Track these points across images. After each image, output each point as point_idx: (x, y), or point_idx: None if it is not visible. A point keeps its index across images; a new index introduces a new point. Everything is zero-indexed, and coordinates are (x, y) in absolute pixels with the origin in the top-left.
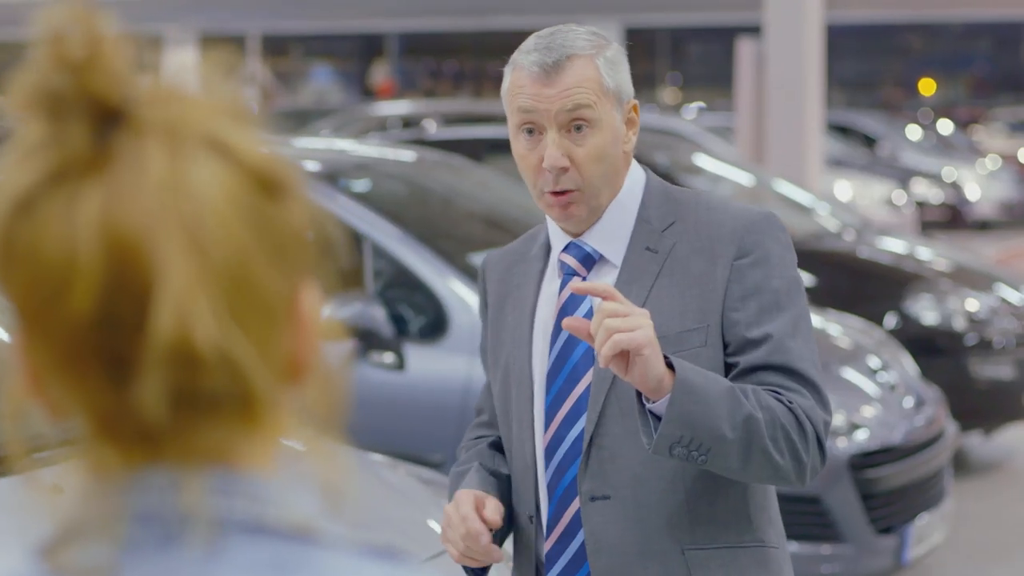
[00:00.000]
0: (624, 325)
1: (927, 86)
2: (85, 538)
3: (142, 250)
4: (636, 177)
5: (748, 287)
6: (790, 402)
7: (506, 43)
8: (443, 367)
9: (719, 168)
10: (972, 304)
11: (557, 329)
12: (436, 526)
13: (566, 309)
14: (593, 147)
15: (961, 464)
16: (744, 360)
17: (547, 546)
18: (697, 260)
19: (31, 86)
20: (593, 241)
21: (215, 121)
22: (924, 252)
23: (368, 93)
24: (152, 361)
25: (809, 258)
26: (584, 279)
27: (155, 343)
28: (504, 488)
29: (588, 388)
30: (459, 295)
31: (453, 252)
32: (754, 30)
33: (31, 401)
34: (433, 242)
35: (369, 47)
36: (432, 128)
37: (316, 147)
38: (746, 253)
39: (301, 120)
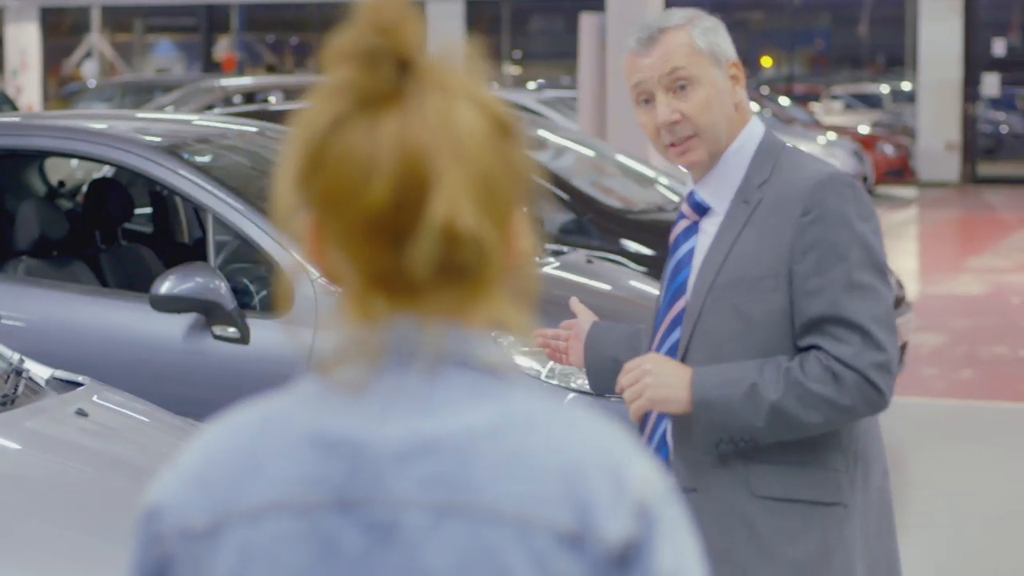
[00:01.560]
0: (631, 395)
1: (766, 62)
2: (349, 361)
3: (424, 160)
4: (751, 135)
5: (808, 242)
6: (828, 359)
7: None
8: (286, 339)
9: (561, 141)
10: None
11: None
12: None
13: (672, 251)
14: (698, 100)
15: None
16: (803, 310)
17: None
18: (775, 215)
19: (350, 41)
20: (703, 192)
21: (469, 79)
22: None
23: (211, 67)
24: (426, 236)
25: (651, 229)
26: (696, 224)
27: (430, 223)
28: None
29: (683, 310)
30: (302, 267)
31: None
32: (597, 5)
33: (313, 264)
34: None
35: (212, 21)
36: (276, 101)
37: (158, 119)
38: (808, 211)
39: (144, 93)
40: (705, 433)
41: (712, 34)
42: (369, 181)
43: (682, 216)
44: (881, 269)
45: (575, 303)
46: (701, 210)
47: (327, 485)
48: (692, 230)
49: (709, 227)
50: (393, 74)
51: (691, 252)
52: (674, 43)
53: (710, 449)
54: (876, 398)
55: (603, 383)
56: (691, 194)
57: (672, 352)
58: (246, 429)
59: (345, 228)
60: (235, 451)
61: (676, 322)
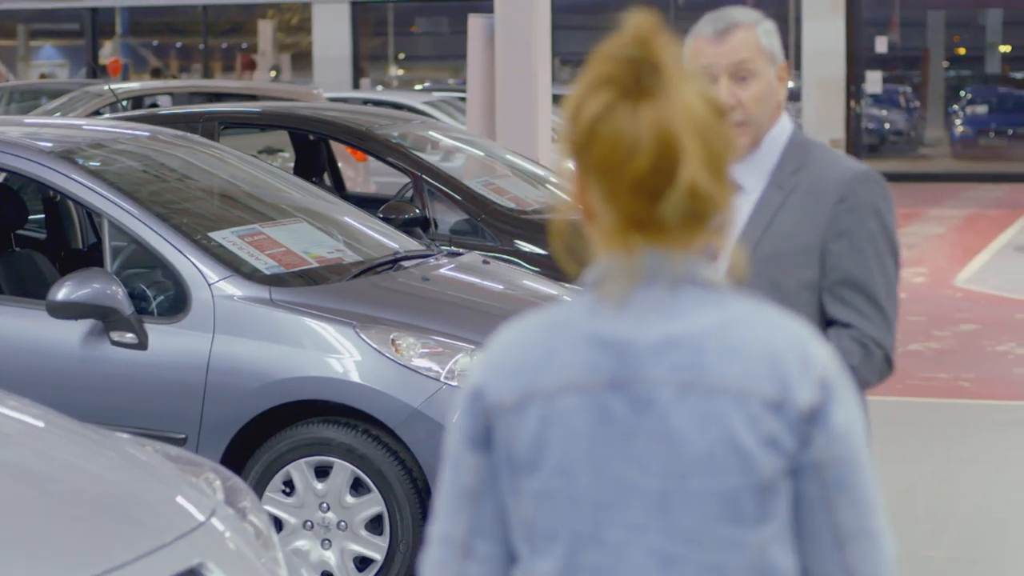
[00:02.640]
0: None
1: None
2: (615, 281)
3: (674, 138)
4: (783, 128)
5: (842, 227)
6: (862, 335)
7: (234, 20)
8: (184, 344)
9: (452, 142)
10: None
11: None
12: (185, 502)
13: None
14: (755, 92)
15: None
16: (833, 285)
17: None
18: (811, 199)
19: (616, 48)
20: (739, 173)
21: (692, 76)
22: None
23: (96, 72)
24: (676, 194)
25: (544, 229)
26: None
27: (679, 185)
28: None
29: None
30: (199, 272)
31: (191, 229)
32: (484, 7)
33: (576, 210)
34: (171, 219)
35: (96, 25)
36: (166, 105)
37: (50, 124)
38: (844, 199)
39: (31, 99)
40: None
41: (773, 37)
42: (634, 155)
43: None
44: (898, 260)
45: None
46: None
47: (602, 371)
48: None
49: (739, 205)
50: (647, 75)
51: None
52: (745, 38)
53: None
54: (887, 374)
55: None
56: None
57: None
58: (540, 330)
59: (613, 187)
60: (533, 347)
61: None
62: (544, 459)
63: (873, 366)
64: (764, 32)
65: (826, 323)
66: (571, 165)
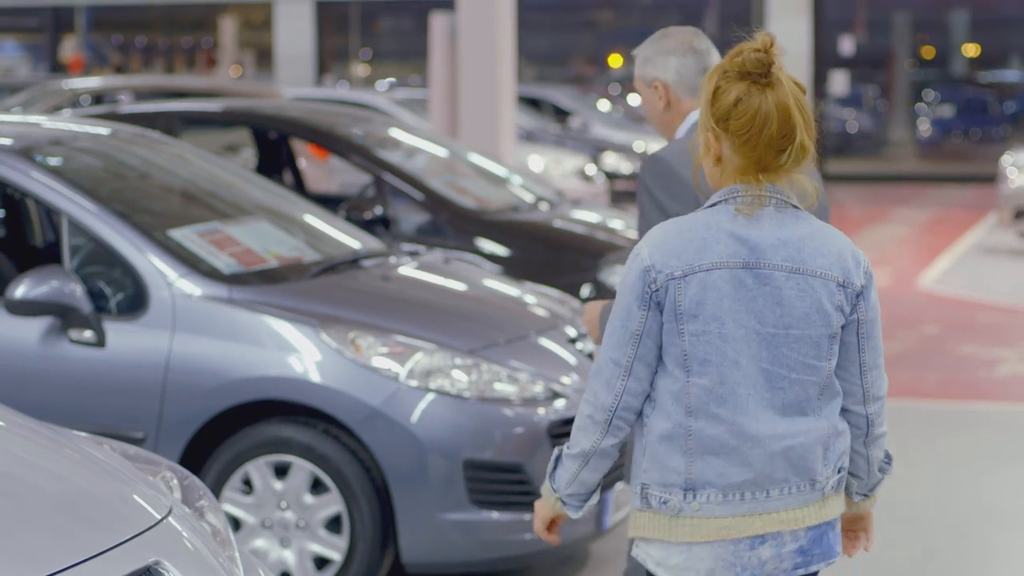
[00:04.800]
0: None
1: (616, 60)
2: (746, 202)
3: (790, 113)
4: (687, 124)
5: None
6: None
7: (196, 17)
8: (143, 343)
9: (414, 141)
10: None
11: None
12: (142, 501)
13: None
14: (644, 108)
15: None
16: None
17: None
18: None
19: (748, 52)
20: None
21: (786, 71)
22: (616, 223)
23: (57, 68)
24: (793, 150)
25: (505, 229)
26: None
27: (795, 144)
28: None
29: None
30: (158, 270)
31: (151, 227)
32: (446, 5)
33: (704, 154)
34: (131, 217)
35: (57, 21)
36: (127, 102)
37: (8, 121)
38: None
39: None
40: None
41: (645, 64)
42: (767, 125)
43: None
44: (667, 214)
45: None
46: None
47: (739, 257)
48: None
49: None
50: (767, 71)
51: None
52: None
53: None
54: None
55: None
56: None
57: None
58: (694, 228)
59: (751, 144)
60: (691, 238)
61: None
62: (702, 311)
63: None
64: (640, 62)
65: None
66: (709, 127)
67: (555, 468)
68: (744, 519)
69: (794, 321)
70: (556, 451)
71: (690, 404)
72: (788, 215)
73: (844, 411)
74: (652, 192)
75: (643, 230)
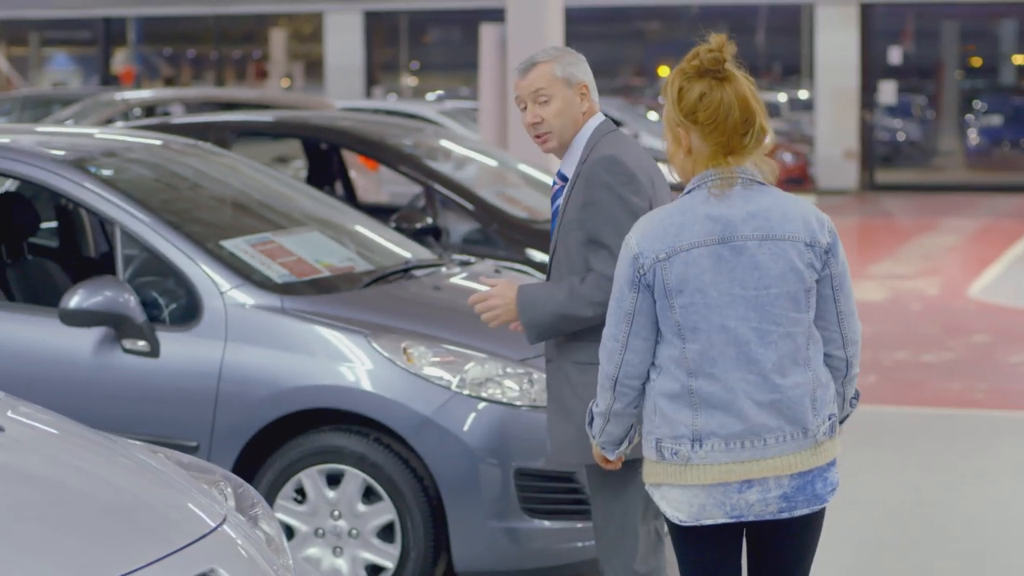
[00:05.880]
0: (488, 317)
1: (664, 71)
2: (717, 184)
3: (749, 102)
4: (588, 128)
5: (587, 198)
6: (597, 275)
7: (246, 30)
8: (196, 352)
9: (464, 152)
10: None
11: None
12: (197, 509)
13: (552, 206)
14: (554, 109)
15: None
16: (588, 242)
17: None
18: (581, 185)
19: (703, 53)
20: (563, 167)
21: (735, 66)
22: None
23: (109, 80)
24: (753, 134)
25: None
26: (561, 188)
27: (755, 128)
28: None
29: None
30: (211, 280)
31: (204, 237)
32: (495, 15)
33: (675, 149)
34: (183, 227)
35: (109, 34)
36: (178, 114)
37: (63, 133)
38: (588, 179)
39: (43, 107)
40: (528, 330)
41: (571, 66)
42: (731, 112)
43: (554, 183)
44: (634, 214)
45: (485, 280)
46: (563, 178)
47: (714, 234)
48: (559, 192)
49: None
50: (722, 68)
51: (558, 207)
52: (541, 71)
53: (532, 337)
54: (603, 285)
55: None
56: (559, 169)
57: None
58: (673, 214)
59: (717, 132)
60: (671, 223)
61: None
62: (686, 285)
63: (595, 286)
64: (561, 64)
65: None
66: (674, 124)
67: (590, 421)
68: (743, 465)
69: (772, 281)
70: (590, 407)
71: (689, 367)
72: (754, 191)
73: (827, 356)
74: (613, 188)
75: (601, 224)
